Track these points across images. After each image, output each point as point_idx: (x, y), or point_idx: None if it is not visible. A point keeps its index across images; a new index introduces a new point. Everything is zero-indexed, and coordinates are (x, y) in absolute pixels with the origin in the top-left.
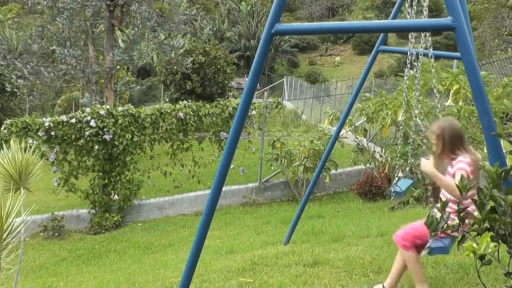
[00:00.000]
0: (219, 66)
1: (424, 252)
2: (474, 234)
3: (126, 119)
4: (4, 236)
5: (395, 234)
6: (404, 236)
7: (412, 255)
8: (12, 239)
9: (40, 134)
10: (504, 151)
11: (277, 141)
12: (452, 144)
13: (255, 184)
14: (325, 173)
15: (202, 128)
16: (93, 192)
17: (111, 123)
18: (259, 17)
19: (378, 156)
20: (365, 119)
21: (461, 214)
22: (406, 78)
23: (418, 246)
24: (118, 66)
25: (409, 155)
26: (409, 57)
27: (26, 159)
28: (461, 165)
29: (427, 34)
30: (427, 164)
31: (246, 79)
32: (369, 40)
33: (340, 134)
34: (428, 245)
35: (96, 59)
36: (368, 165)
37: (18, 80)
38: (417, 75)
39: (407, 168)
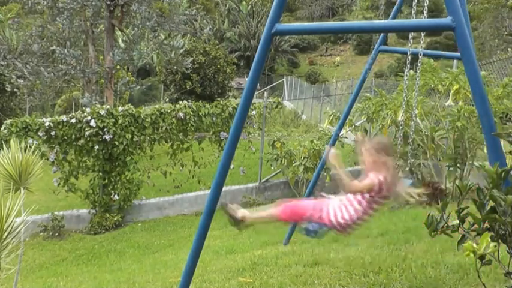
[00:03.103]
0: (219, 66)
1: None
2: (474, 234)
3: (126, 119)
4: (4, 236)
5: (286, 205)
6: (290, 212)
7: (273, 218)
8: (12, 239)
9: (40, 134)
10: (504, 151)
11: (277, 141)
12: (381, 160)
13: (255, 184)
14: (325, 173)
15: (202, 128)
16: (93, 192)
17: (111, 123)
18: (259, 17)
19: None
20: (365, 119)
21: (461, 214)
22: (406, 78)
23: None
24: (118, 66)
25: (409, 155)
26: (409, 57)
27: (26, 159)
28: (374, 178)
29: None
30: (333, 152)
31: (246, 79)
32: (368, 40)
33: (340, 134)
34: (306, 226)
35: (96, 59)
36: None
37: (18, 80)
38: (417, 75)
39: (407, 168)
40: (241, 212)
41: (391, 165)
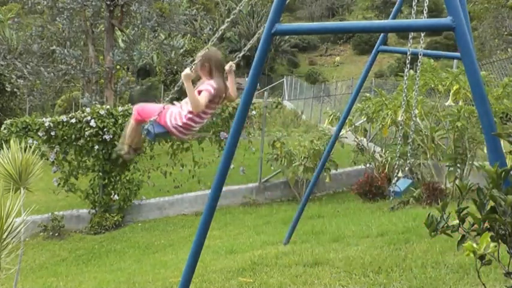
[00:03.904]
0: None
1: (143, 132)
2: (474, 234)
3: (126, 119)
4: (4, 236)
5: (137, 108)
6: (140, 112)
7: (133, 123)
8: (12, 239)
9: (40, 134)
10: (504, 151)
11: (277, 141)
12: (213, 69)
13: (255, 184)
14: (325, 173)
15: (203, 128)
16: (93, 192)
17: (111, 123)
18: (259, 17)
19: (378, 156)
20: (365, 119)
21: (461, 214)
22: (406, 78)
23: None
24: (118, 66)
25: (409, 155)
26: (409, 57)
27: (26, 159)
28: (208, 87)
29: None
30: (187, 72)
31: (246, 79)
32: (368, 40)
33: (340, 134)
34: (146, 126)
35: (96, 59)
36: (368, 165)
37: (18, 80)
38: (417, 75)
39: (407, 168)
40: (123, 146)
41: (219, 72)
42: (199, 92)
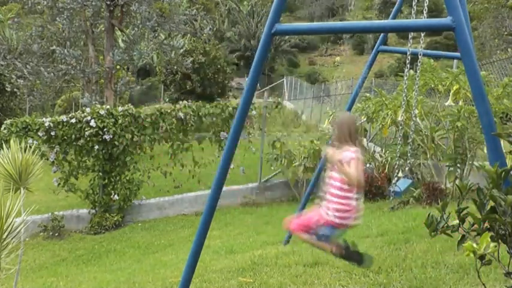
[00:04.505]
0: (219, 66)
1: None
2: (474, 234)
3: (126, 119)
4: (4, 236)
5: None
6: (297, 227)
7: (306, 239)
8: (12, 239)
9: (40, 134)
10: (504, 151)
11: (277, 141)
12: (349, 135)
13: (255, 184)
14: (325, 173)
15: (202, 128)
16: (93, 192)
17: (111, 123)
18: (259, 17)
19: (378, 156)
20: (365, 119)
21: (461, 214)
22: (406, 78)
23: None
24: (118, 66)
25: (409, 155)
26: (409, 57)
27: (26, 159)
28: (352, 155)
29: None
30: (335, 152)
31: (246, 79)
32: (369, 40)
33: None
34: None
35: (96, 59)
36: (368, 165)
37: (18, 80)
38: (417, 75)
39: (407, 168)
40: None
41: (357, 139)
42: (341, 162)
